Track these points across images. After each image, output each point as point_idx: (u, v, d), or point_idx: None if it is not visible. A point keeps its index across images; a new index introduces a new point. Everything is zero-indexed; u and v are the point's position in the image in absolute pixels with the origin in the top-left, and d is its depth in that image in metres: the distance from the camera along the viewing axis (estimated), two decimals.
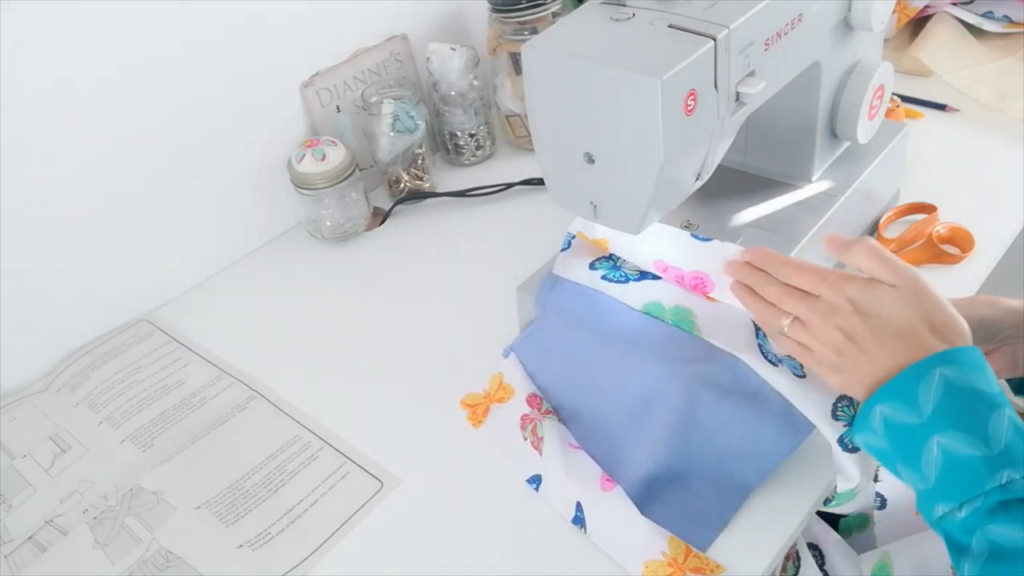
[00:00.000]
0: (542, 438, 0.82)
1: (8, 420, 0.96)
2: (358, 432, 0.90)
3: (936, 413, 0.58)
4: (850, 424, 0.69)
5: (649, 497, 0.77)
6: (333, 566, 0.78)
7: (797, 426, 0.74)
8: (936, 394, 0.59)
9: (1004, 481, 0.56)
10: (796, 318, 0.68)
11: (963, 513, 0.57)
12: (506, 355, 0.90)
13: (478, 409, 0.88)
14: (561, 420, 0.85)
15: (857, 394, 0.65)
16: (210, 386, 0.98)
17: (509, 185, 1.19)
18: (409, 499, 0.83)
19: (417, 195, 1.21)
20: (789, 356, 0.74)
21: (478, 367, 0.91)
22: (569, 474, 0.79)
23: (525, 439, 0.84)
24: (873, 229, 1.03)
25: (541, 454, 0.82)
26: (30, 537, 0.84)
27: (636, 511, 0.76)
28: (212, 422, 0.93)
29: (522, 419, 0.85)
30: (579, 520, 0.78)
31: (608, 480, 0.79)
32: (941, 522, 0.59)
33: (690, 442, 0.78)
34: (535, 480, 0.82)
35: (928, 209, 1.03)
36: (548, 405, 0.86)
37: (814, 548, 0.80)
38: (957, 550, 0.58)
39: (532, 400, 0.86)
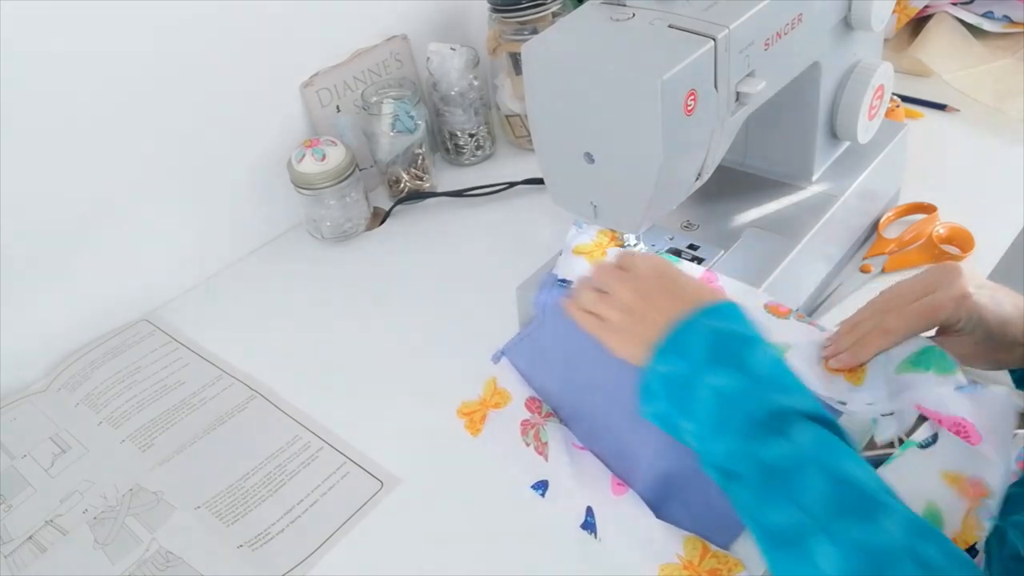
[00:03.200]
0: (546, 443, 0.82)
1: (8, 420, 0.96)
2: (358, 432, 0.90)
3: (704, 357, 0.63)
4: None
5: (667, 496, 0.76)
6: (333, 566, 0.78)
7: None
8: (703, 341, 0.64)
9: (765, 402, 0.60)
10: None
11: (733, 442, 0.60)
12: (496, 360, 0.90)
13: (475, 417, 0.88)
14: (562, 421, 0.85)
15: (640, 358, 0.68)
16: (210, 386, 0.98)
17: (510, 185, 1.19)
18: (409, 499, 0.83)
19: (417, 195, 1.21)
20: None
21: (478, 366, 0.91)
22: (577, 478, 0.79)
23: (528, 444, 0.83)
24: (873, 229, 1.03)
25: (547, 459, 0.81)
26: (30, 537, 0.84)
27: (650, 514, 0.75)
28: (212, 422, 0.93)
29: (522, 425, 0.85)
30: (590, 525, 0.77)
31: (619, 484, 0.78)
32: (713, 456, 0.62)
33: None
34: (541, 486, 0.81)
35: (928, 209, 1.03)
36: (548, 408, 0.86)
37: None
38: (728, 478, 0.61)
39: (531, 404, 0.86)
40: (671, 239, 0.92)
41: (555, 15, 1.20)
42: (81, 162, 0.98)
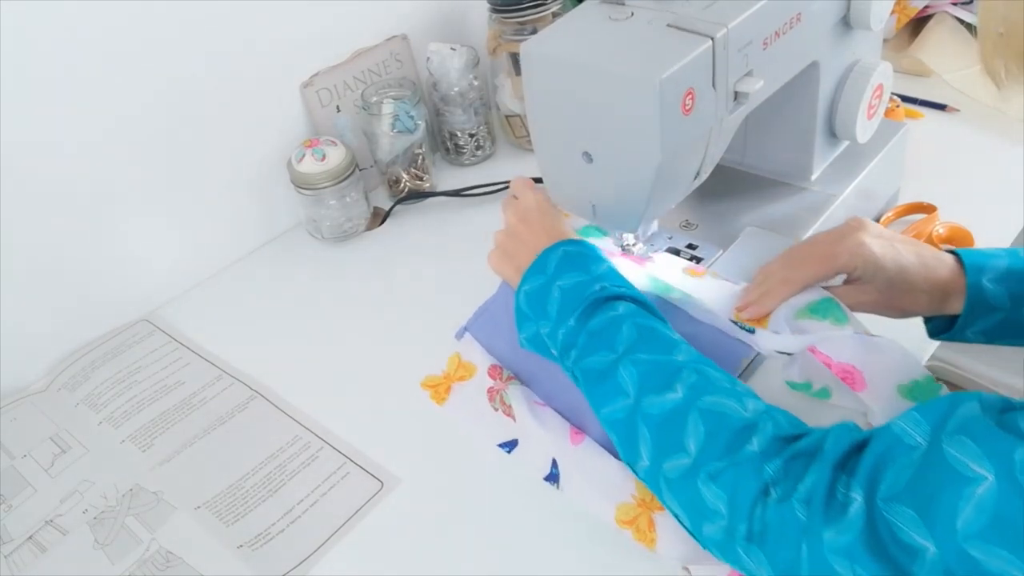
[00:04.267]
0: (510, 405, 0.86)
1: (8, 420, 0.97)
2: (358, 432, 0.90)
3: (556, 269, 0.74)
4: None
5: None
6: (333, 566, 0.78)
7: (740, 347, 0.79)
8: (557, 259, 0.75)
9: (597, 288, 0.71)
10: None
11: (571, 320, 0.71)
12: (459, 336, 0.94)
13: (440, 389, 0.91)
14: (523, 383, 0.88)
15: (515, 280, 0.79)
16: (210, 386, 0.98)
17: (510, 184, 1.19)
18: (409, 499, 0.83)
19: (417, 195, 1.21)
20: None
21: None
22: (542, 431, 0.82)
23: (496, 410, 0.87)
24: None
25: (515, 420, 0.85)
26: (30, 537, 0.84)
27: (606, 457, 0.79)
28: (212, 422, 0.93)
29: (488, 392, 0.88)
30: (553, 476, 0.81)
31: (577, 433, 0.82)
32: (559, 340, 0.72)
33: None
34: (509, 444, 0.84)
35: (928, 209, 1.03)
36: (508, 372, 0.89)
37: None
38: (566, 348, 0.71)
39: (493, 371, 0.90)
40: (670, 238, 0.92)
41: (555, 15, 1.20)
42: (81, 162, 0.98)
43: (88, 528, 0.84)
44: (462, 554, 0.78)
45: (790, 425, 0.60)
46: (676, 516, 0.64)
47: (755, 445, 0.59)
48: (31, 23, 0.89)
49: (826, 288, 0.76)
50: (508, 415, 0.86)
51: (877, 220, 1.03)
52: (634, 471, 0.67)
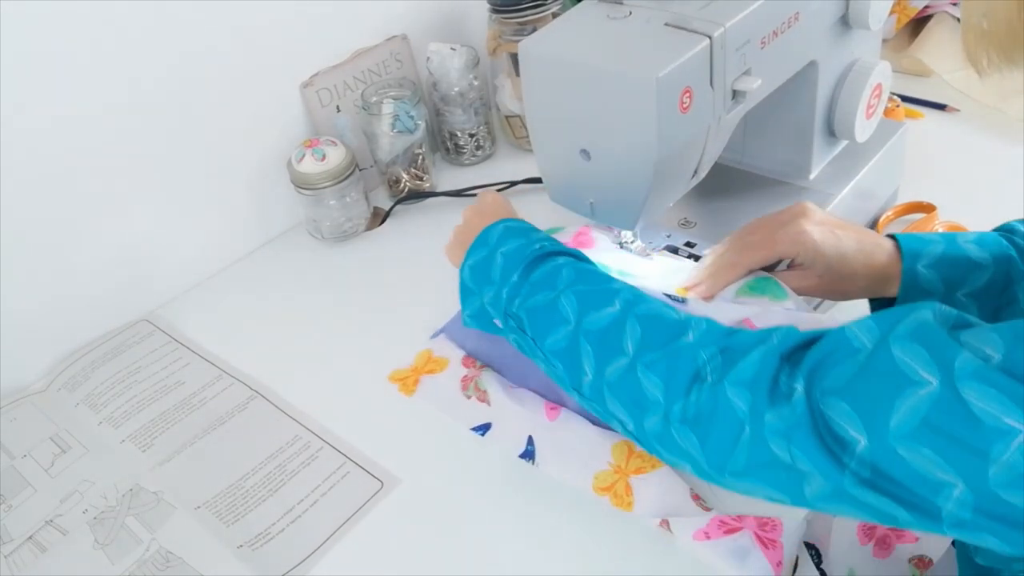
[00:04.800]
0: (485, 390, 0.88)
1: (8, 420, 0.97)
2: (358, 432, 0.90)
3: (498, 240, 0.75)
4: None
5: None
6: (333, 566, 0.78)
7: None
8: (499, 232, 0.76)
9: (538, 247, 0.73)
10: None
11: (515, 277, 0.72)
12: (434, 336, 0.97)
13: (408, 381, 0.94)
14: (496, 370, 0.91)
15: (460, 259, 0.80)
16: (210, 386, 0.98)
17: (510, 184, 1.19)
18: (409, 499, 0.83)
19: (417, 195, 1.22)
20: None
21: None
22: (518, 410, 0.85)
23: (469, 397, 0.89)
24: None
25: (490, 404, 0.88)
26: (30, 537, 0.84)
27: (584, 425, 0.82)
28: (212, 422, 0.93)
29: (462, 381, 0.91)
30: (528, 453, 0.83)
31: (552, 408, 0.85)
32: (503, 302, 0.73)
33: None
34: (482, 428, 0.87)
35: (927, 208, 1.03)
36: (481, 363, 0.92)
37: (811, 548, 0.80)
38: (510, 299, 0.73)
39: (467, 361, 0.93)
40: (668, 236, 0.92)
41: (555, 15, 1.20)
42: (81, 162, 0.98)
43: (88, 528, 0.84)
44: (462, 554, 0.78)
45: (724, 329, 0.63)
46: (621, 423, 0.66)
47: (690, 337, 0.62)
48: (32, 19, 0.90)
49: (769, 271, 0.77)
50: (482, 400, 0.88)
51: (877, 219, 1.03)
52: (580, 395, 0.69)
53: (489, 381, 0.89)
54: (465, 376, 0.91)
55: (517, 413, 0.85)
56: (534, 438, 0.84)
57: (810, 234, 0.74)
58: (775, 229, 0.76)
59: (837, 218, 0.77)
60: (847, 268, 0.74)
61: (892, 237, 0.76)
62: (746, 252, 0.76)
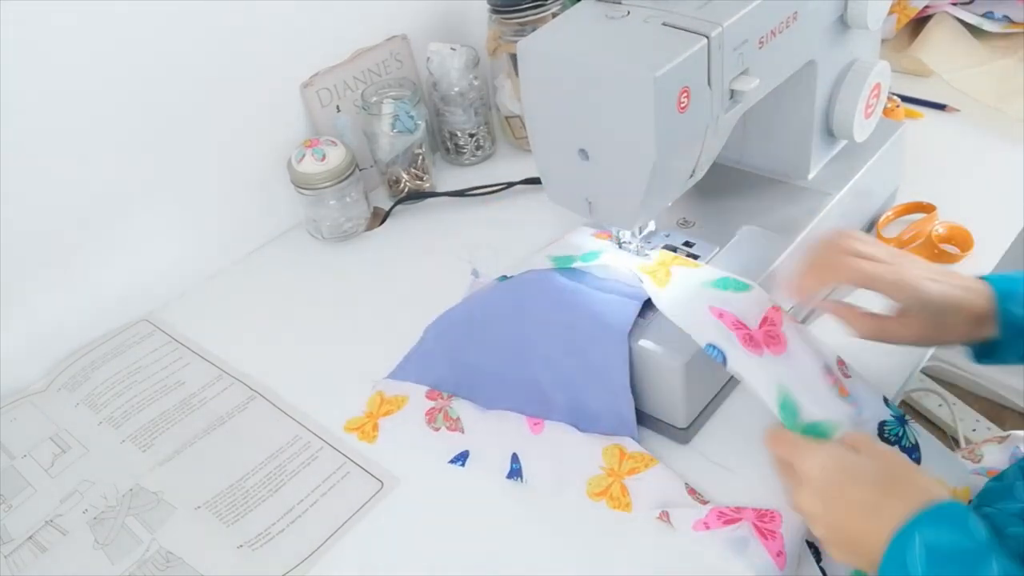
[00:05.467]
0: (457, 418, 0.88)
1: (8, 420, 0.97)
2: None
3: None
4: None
5: (579, 417, 0.84)
6: (333, 566, 0.78)
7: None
8: (920, 559, 0.57)
9: None
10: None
11: None
12: (384, 379, 0.95)
13: (366, 428, 0.90)
14: (464, 398, 0.90)
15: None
16: (210, 386, 0.98)
17: (509, 184, 1.19)
18: (409, 499, 0.83)
19: (417, 195, 1.22)
20: None
21: None
22: (497, 432, 0.85)
23: (438, 429, 0.88)
24: (871, 228, 1.03)
25: (464, 431, 0.87)
26: (30, 537, 0.84)
27: (571, 433, 0.82)
28: (212, 422, 0.93)
29: (427, 414, 0.89)
30: (515, 471, 0.83)
31: (536, 423, 0.84)
32: None
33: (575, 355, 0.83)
34: (460, 458, 0.85)
35: (927, 208, 1.03)
36: (447, 392, 0.91)
37: (811, 547, 0.80)
38: None
39: (431, 394, 0.91)
40: (667, 236, 0.92)
41: (555, 16, 1.20)
42: (81, 162, 0.98)
43: (88, 528, 0.84)
44: (462, 554, 0.78)
45: None
46: None
47: None
48: (30, 23, 0.90)
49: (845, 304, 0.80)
50: (454, 429, 0.87)
51: (876, 219, 1.03)
52: None
53: (461, 408, 0.88)
54: (431, 408, 0.90)
55: (496, 434, 0.85)
56: (519, 455, 0.83)
57: (919, 279, 0.74)
58: (894, 272, 0.75)
59: (940, 266, 0.77)
60: (950, 316, 0.74)
61: (981, 279, 0.76)
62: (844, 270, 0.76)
